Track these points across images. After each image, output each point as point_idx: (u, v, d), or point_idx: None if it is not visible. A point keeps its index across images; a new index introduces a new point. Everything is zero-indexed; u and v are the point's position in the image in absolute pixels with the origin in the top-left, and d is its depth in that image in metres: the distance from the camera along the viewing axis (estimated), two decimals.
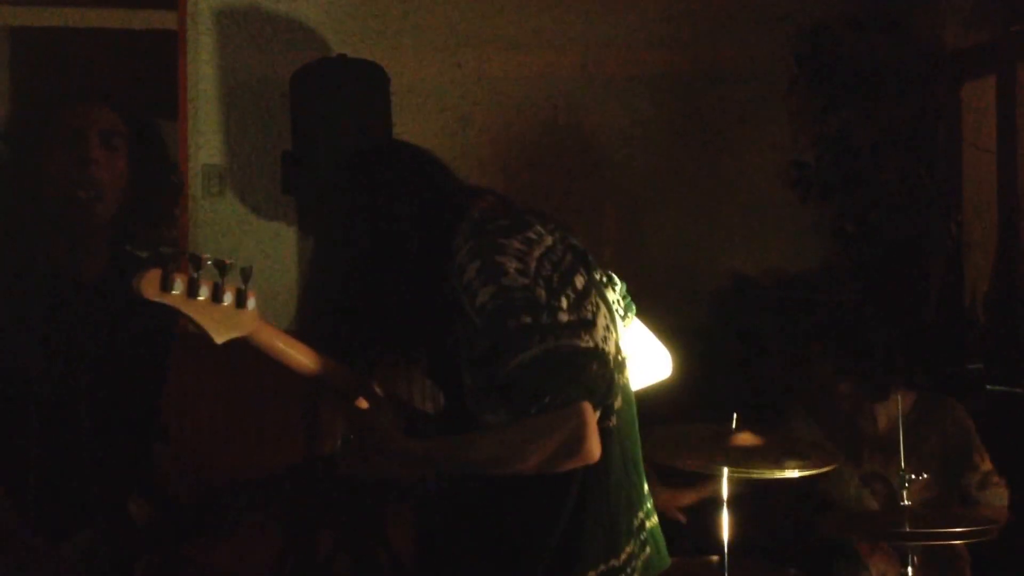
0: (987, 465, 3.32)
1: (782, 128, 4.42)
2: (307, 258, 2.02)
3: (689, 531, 3.74)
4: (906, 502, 2.93)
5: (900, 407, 3.15)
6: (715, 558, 3.10)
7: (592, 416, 1.70)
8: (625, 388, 1.89)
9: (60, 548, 2.51)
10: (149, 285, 1.70)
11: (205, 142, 4.17)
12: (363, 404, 1.88)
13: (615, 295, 1.96)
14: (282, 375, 4.28)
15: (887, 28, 4.25)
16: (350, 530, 3.84)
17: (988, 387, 3.73)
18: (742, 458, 3.03)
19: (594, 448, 1.70)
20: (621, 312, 1.98)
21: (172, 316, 1.83)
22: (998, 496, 3.30)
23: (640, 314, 2.12)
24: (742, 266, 4.40)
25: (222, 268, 1.76)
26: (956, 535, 2.98)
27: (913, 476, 2.95)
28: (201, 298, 1.73)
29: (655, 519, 1.96)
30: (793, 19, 4.37)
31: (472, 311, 1.73)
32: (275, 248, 4.06)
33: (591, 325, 1.76)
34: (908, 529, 2.86)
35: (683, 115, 4.43)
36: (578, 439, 1.69)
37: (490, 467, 1.75)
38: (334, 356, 1.89)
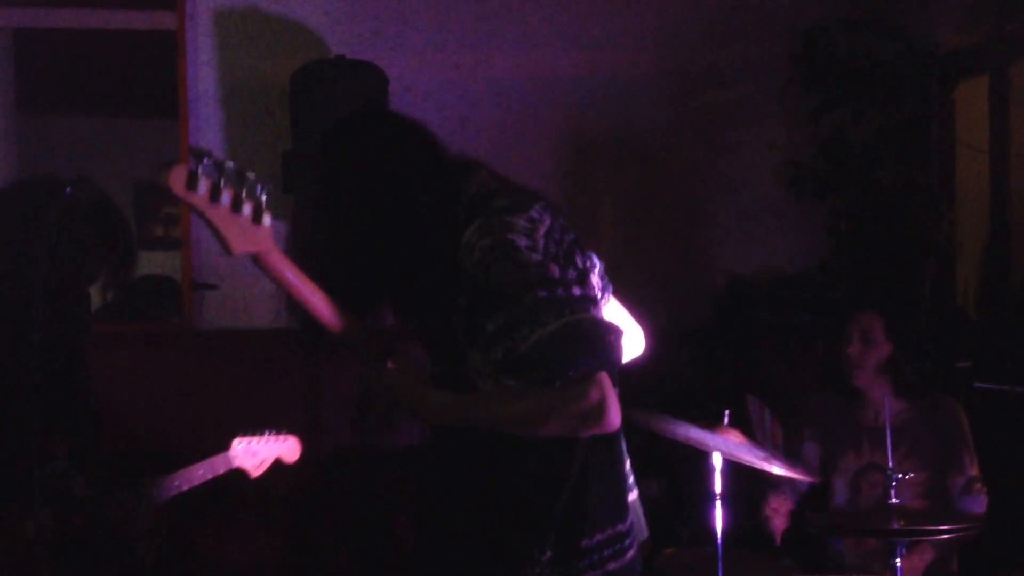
0: (974, 470, 3.34)
1: (777, 127, 4.46)
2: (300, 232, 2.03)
3: (683, 522, 3.79)
4: (894, 500, 2.95)
5: (887, 405, 3.15)
6: (710, 549, 3.14)
7: (611, 386, 1.73)
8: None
9: (23, 526, 2.55)
10: (176, 181, 1.69)
11: (204, 142, 4.20)
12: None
13: (595, 276, 1.98)
14: (285, 374, 4.31)
15: (881, 29, 4.27)
16: (354, 522, 3.88)
17: (976, 385, 3.74)
18: (732, 449, 3.07)
19: (614, 417, 1.74)
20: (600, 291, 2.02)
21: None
22: (979, 503, 3.31)
23: (635, 312, 2.15)
24: (737, 264, 4.44)
25: (242, 179, 1.76)
26: (942, 533, 3.00)
27: (901, 475, 2.97)
28: (223, 204, 1.73)
29: (636, 492, 2.01)
30: (788, 20, 4.40)
31: (485, 287, 1.75)
32: (276, 245, 4.08)
33: (596, 301, 1.82)
34: (896, 527, 2.88)
35: (680, 115, 4.47)
36: (600, 409, 1.72)
37: (512, 427, 1.79)
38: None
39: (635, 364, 2.16)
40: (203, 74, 4.21)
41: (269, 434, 3.09)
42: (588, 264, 1.90)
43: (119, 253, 2.74)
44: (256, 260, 1.81)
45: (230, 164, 1.73)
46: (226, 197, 1.73)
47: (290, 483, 3.94)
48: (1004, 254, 4.16)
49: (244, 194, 1.75)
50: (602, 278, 2.03)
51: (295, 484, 3.97)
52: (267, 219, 1.78)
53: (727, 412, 3.16)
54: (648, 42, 4.43)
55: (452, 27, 4.33)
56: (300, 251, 1.92)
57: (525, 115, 4.35)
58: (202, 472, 2.97)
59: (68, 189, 2.54)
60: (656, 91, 4.44)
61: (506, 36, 4.36)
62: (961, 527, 3.01)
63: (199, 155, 1.71)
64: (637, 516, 1.99)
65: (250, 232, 1.76)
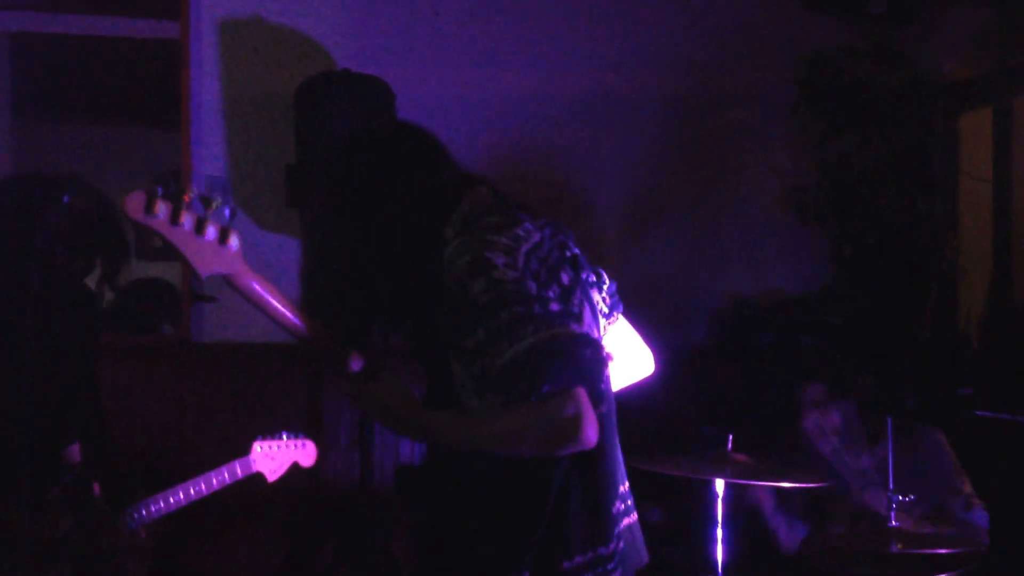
0: (967, 487, 3.37)
1: (782, 153, 4.50)
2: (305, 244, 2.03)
3: (684, 549, 3.77)
4: (894, 523, 2.97)
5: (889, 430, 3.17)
6: None
7: (588, 402, 1.71)
8: (608, 388, 1.91)
9: (45, 533, 2.52)
10: (133, 206, 1.73)
11: (207, 153, 4.17)
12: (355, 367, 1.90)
13: (600, 295, 1.99)
14: (285, 387, 4.26)
15: (886, 58, 4.32)
16: (351, 540, 3.84)
17: (977, 413, 3.75)
18: (738, 472, 3.07)
19: (591, 434, 1.72)
20: (605, 311, 2.01)
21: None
22: (982, 517, 3.34)
23: (640, 333, 2.14)
24: (742, 287, 4.46)
25: (207, 203, 1.79)
26: (942, 556, 2.99)
27: (901, 497, 2.99)
28: (184, 228, 1.76)
29: (634, 516, 1.98)
30: (794, 47, 4.43)
31: (465, 304, 1.75)
32: (279, 260, 4.03)
33: (578, 318, 1.81)
34: (898, 548, 2.89)
35: (686, 139, 4.48)
36: (575, 425, 1.70)
37: (489, 445, 1.78)
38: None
39: (642, 384, 2.16)
40: (206, 84, 4.17)
41: (288, 437, 3.07)
42: (582, 282, 1.89)
43: (112, 252, 2.76)
44: (228, 282, 1.84)
45: (192, 189, 1.78)
46: (188, 221, 1.77)
47: (289, 500, 3.90)
48: (1006, 282, 4.21)
49: (208, 217, 1.79)
50: (611, 296, 2.03)
51: (295, 501, 3.94)
52: (234, 241, 1.81)
53: (730, 437, 3.17)
54: (654, 65, 4.45)
55: (458, 43, 4.32)
56: (305, 274, 1.94)
57: (530, 134, 4.35)
58: (223, 477, 2.94)
59: (66, 198, 2.54)
60: (664, 115, 4.46)
61: (512, 54, 4.36)
62: (961, 550, 3.01)
63: (159, 180, 1.76)
64: (634, 540, 1.97)
65: (217, 254, 1.80)
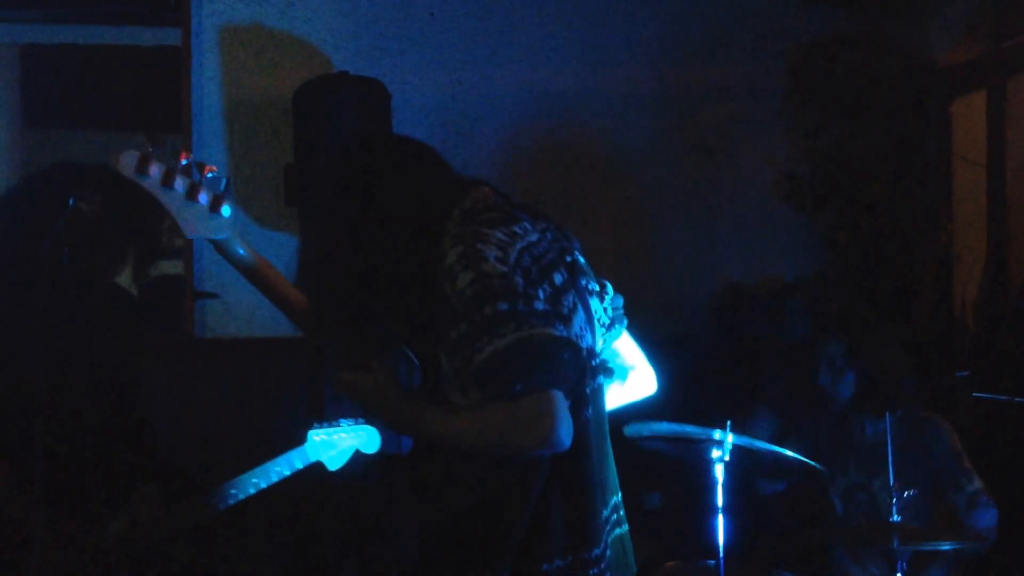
0: (975, 485, 3.31)
1: (777, 142, 4.49)
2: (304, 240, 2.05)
3: (686, 535, 3.80)
4: (896, 518, 2.96)
5: (888, 421, 3.16)
6: (712, 562, 3.14)
7: (562, 405, 1.71)
8: (598, 395, 1.92)
9: (95, 534, 2.58)
10: (125, 165, 1.79)
11: (208, 156, 4.22)
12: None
13: (602, 304, 1.97)
14: (287, 382, 4.30)
15: (879, 45, 4.32)
16: (357, 535, 3.88)
17: (974, 395, 3.75)
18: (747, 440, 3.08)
19: (563, 436, 1.70)
20: (606, 321, 1.98)
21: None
22: (986, 517, 3.29)
23: (638, 323, 2.14)
24: (738, 276, 4.46)
25: (200, 171, 1.85)
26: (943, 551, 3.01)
27: (902, 492, 2.99)
28: (176, 191, 1.81)
29: (625, 527, 1.97)
30: (787, 36, 4.44)
31: (452, 295, 1.76)
32: (278, 258, 4.10)
33: (566, 320, 1.79)
34: (897, 545, 2.90)
35: (681, 130, 4.50)
36: (547, 427, 1.69)
37: (462, 441, 1.78)
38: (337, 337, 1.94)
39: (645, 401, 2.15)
40: (208, 89, 4.24)
41: (346, 424, 2.99)
42: (579, 287, 1.87)
43: (136, 250, 2.81)
44: (217, 248, 1.90)
45: (185, 153, 1.85)
46: (180, 184, 1.82)
47: (293, 501, 3.95)
48: (1001, 266, 4.19)
49: (202, 184, 1.84)
50: (615, 309, 2.01)
51: (298, 501, 3.98)
52: (226, 209, 1.87)
53: (729, 422, 3.19)
54: (648, 58, 4.46)
55: (454, 44, 4.36)
56: (301, 265, 1.96)
57: (526, 131, 4.38)
58: (279, 469, 2.91)
59: (71, 200, 2.60)
60: (656, 106, 4.48)
61: (508, 53, 4.39)
62: (963, 542, 3.02)
63: (157, 143, 1.80)
64: (624, 552, 1.96)
65: (206, 220, 1.86)
